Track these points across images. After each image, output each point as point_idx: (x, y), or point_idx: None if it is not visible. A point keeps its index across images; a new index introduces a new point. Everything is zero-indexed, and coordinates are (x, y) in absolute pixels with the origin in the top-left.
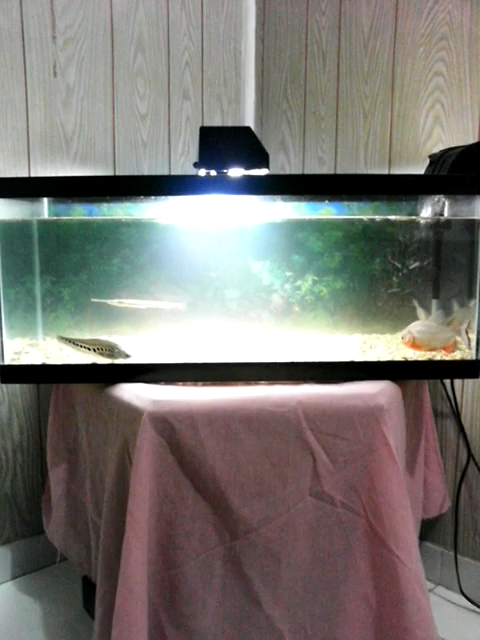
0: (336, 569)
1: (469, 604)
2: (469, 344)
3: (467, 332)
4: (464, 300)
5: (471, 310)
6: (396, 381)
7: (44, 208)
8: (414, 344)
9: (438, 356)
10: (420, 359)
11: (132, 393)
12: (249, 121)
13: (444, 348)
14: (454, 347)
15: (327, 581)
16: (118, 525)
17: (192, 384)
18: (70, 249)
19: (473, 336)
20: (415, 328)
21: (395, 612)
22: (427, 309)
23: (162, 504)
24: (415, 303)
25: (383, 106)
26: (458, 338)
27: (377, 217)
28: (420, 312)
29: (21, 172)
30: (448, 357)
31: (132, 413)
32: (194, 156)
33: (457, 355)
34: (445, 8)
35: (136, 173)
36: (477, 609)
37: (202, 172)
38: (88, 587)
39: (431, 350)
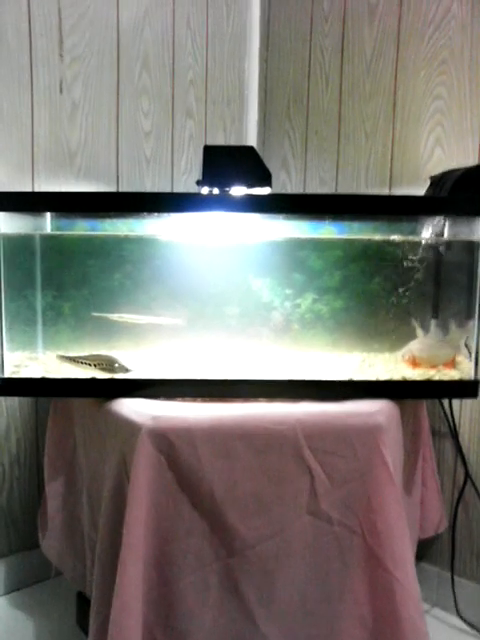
0: (332, 588)
1: (465, 626)
2: (470, 356)
3: (467, 346)
4: (463, 321)
5: (470, 330)
6: (395, 400)
7: (47, 222)
8: (414, 362)
9: (437, 376)
10: (419, 379)
11: (131, 408)
12: (251, 140)
13: (444, 364)
14: (454, 363)
15: (323, 600)
16: (114, 540)
17: (191, 400)
18: (72, 264)
19: (472, 345)
20: (415, 346)
21: (391, 632)
22: (426, 329)
23: (159, 520)
24: (414, 323)
25: (384, 127)
26: (458, 358)
27: (377, 237)
28: (419, 332)
29: (25, 186)
30: (447, 377)
31: (131, 428)
32: (196, 174)
33: (456, 375)
34: (446, 34)
35: (139, 189)
36: (473, 631)
37: (205, 190)
38: (82, 603)
39: (432, 367)
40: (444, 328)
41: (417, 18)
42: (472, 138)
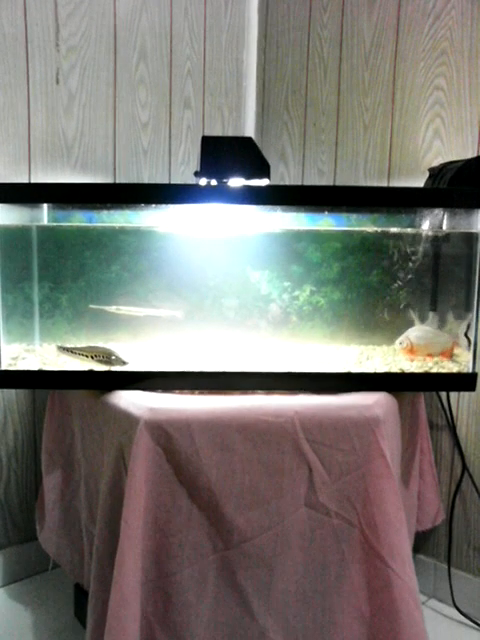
0: (330, 580)
1: (462, 617)
2: (469, 346)
3: (466, 336)
4: (462, 313)
5: (468, 321)
6: (392, 393)
7: (44, 214)
8: (412, 349)
9: (435, 368)
10: (417, 371)
11: (129, 400)
12: (250, 131)
13: (442, 353)
14: (451, 352)
15: (320, 592)
16: (112, 533)
17: (189, 392)
18: (69, 255)
19: (471, 336)
20: (413, 333)
21: (388, 624)
22: (424, 322)
23: (157, 512)
24: (413, 315)
25: (383, 119)
26: (456, 351)
27: (375, 229)
28: (417, 323)
29: (21, 178)
30: (445, 370)
31: (129, 420)
32: (194, 165)
33: (454, 368)
34: (446, 24)
35: (136, 181)
36: (470, 623)
37: (203, 181)
38: (80, 595)
39: (429, 356)
40: (442, 320)
41: (417, 9)
42: (471, 130)
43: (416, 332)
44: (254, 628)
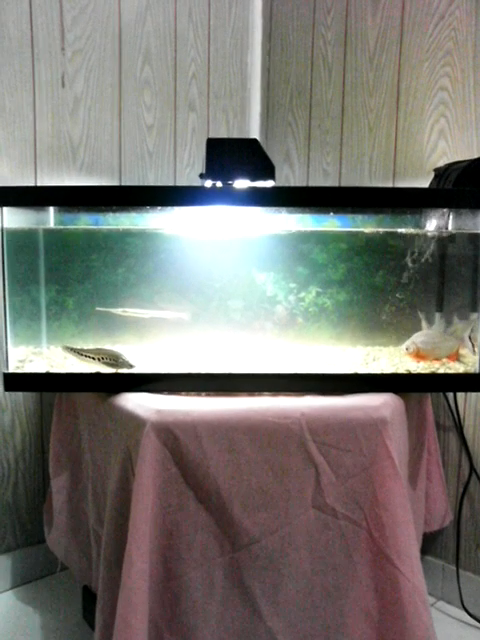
0: (337, 582)
1: (471, 619)
2: (474, 349)
3: (471, 338)
4: (468, 313)
5: (475, 322)
6: (399, 393)
7: (50, 217)
8: (418, 354)
9: (441, 369)
10: (423, 372)
11: (135, 403)
12: (254, 133)
13: (448, 357)
14: (457, 355)
15: (328, 594)
16: (120, 535)
17: (196, 394)
18: (75, 258)
19: (477, 338)
20: (419, 338)
21: (397, 626)
22: (430, 322)
23: (164, 514)
24: (420, 315)
25: (388, 120)
26: (462, 351)
27: (381, 230)
28: (424, 324)
29: (28, 181)
30: (451, 370)
31: (135, 422)
32: (199, 167)
33: (460, 368)
34: (450, 25)
35: (142, 183)
36: (478, 625)
37: (208, 183)
38: (88, 597)
39: (435, 359)
40: (448, 321)
41: (421, 9)
42: (476, 130)
43: (422, 337)
44: (262, 629)
